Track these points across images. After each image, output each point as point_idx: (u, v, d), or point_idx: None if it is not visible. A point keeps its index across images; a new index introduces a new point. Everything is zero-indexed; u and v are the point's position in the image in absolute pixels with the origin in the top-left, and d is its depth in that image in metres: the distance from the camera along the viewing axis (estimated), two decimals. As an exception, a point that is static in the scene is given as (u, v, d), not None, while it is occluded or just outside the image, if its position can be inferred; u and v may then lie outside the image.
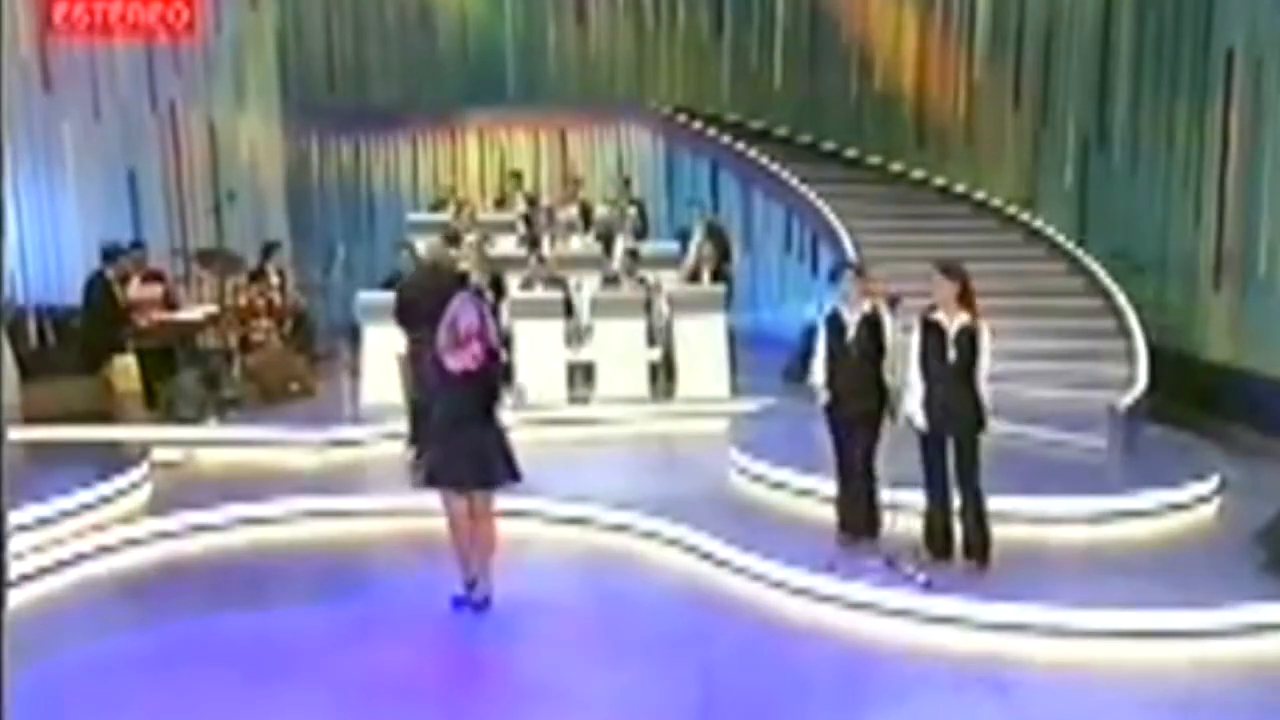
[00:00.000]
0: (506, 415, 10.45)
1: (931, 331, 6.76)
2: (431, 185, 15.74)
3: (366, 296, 10.91)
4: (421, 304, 8.54)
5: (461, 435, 6.61)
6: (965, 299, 6.75)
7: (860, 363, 7.00)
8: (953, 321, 6.73)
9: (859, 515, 7.18)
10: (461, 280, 9.45)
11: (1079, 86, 12.62)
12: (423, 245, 10.28)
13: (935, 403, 6.74)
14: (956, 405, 6.71)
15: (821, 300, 13.12)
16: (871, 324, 7.02)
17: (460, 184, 15.42)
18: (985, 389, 6.74)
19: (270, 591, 7.25)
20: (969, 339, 6.69)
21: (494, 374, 6.73)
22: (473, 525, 6.70)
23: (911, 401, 6.81)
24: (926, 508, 6.94)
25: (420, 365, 8.66)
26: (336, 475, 9.26)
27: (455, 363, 6.54)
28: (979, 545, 6.85)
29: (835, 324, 7.15)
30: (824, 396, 7.17)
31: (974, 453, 6.78)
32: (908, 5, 14.93)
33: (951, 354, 6.71)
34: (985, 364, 6.73)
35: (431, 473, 6.77)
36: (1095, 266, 11.56)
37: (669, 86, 16.33)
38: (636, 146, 16.28)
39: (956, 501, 6.88)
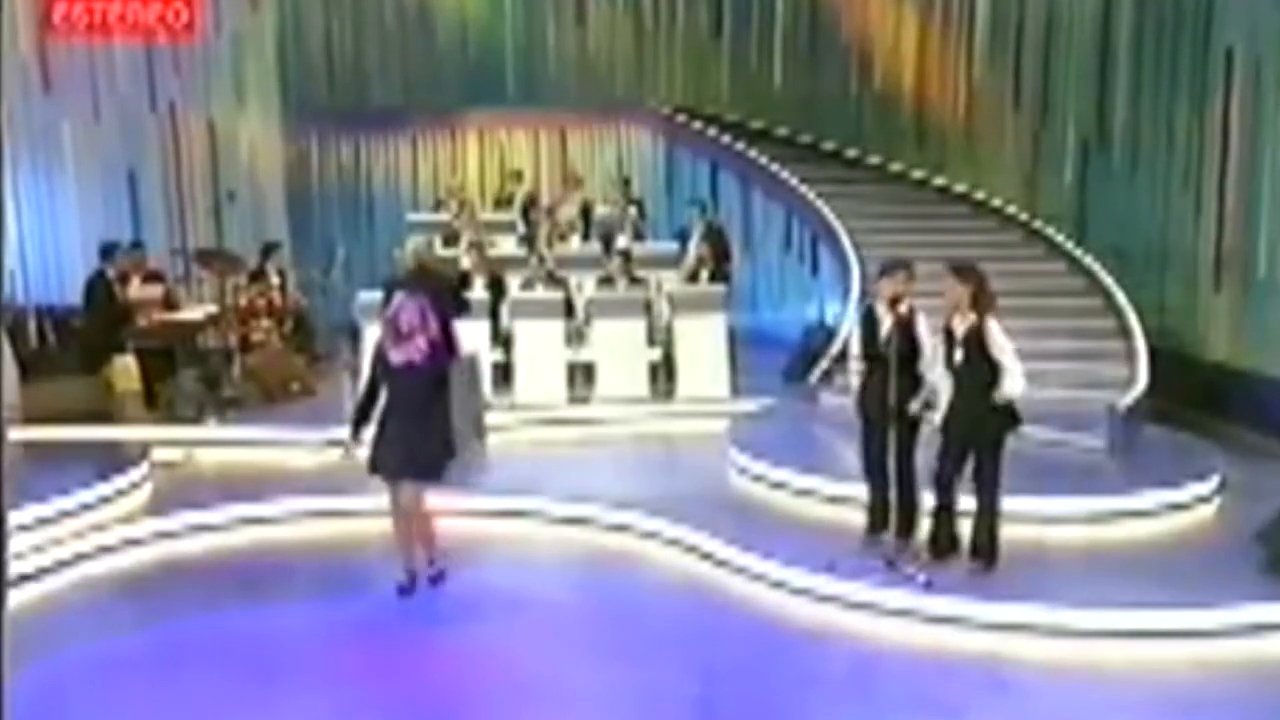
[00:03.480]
0: (504, 415, 10.51)
1: (948, 336, 6.71)
2: (432, 185, 15.75)
3: (366, 296, 10.90)
4: None
5: (395, 426, 6.80)
6: (978, 301, 6.62)
7: (896, 362, 6.86)
8: (962, 325, 6.66)
9: (900, 516, 7.06)
10: (446, 281, 9.48)
11: (1079, 86, 12.60)
12: (408, 246, 10.23)
13: (953, 408, 6.70)
14: (974, 410, 6.61)
15: (823, 300, 13.26)
16: (905, 325, 6.88)
17: (460, 184, 15.44)
18: (1014, 386, 6.55)
19: (270, 591, 7.23)
20: (976, 341, 6.59)
21: (438, 369, 6.89)
22: (405, 516, 6.95)
23: (941, 404, 6.77)
24: (934, 507, 6.91)
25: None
26: (336, 475, 9.22)
27: (398, 356, 6.74)
28: (988, 549, 6.81)
29: (870, 322, 7.06)
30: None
31: (995, 458, 6.68)
32: (908, 5, 14.93)
33: (958, 357, 6.65)
34: (1008, 362, 6.56)
35: (369, 460, 6.94)
36: (1095, 266, 11.55)
37: (669, 86, 16.33)
38: (636, 146, 16.29)
39: (970, 504, 6.83)
